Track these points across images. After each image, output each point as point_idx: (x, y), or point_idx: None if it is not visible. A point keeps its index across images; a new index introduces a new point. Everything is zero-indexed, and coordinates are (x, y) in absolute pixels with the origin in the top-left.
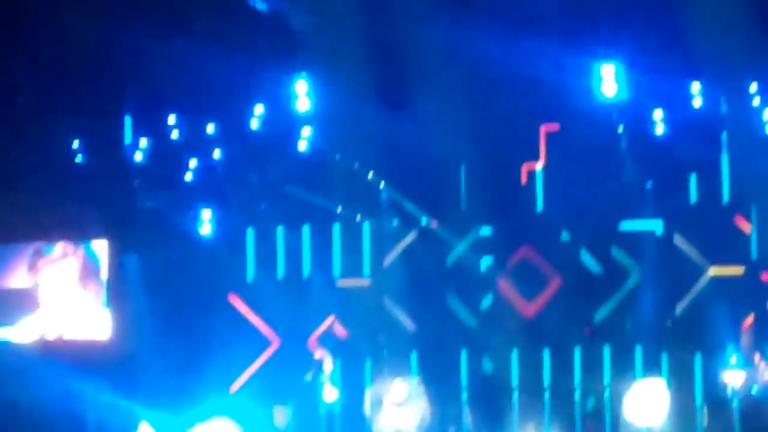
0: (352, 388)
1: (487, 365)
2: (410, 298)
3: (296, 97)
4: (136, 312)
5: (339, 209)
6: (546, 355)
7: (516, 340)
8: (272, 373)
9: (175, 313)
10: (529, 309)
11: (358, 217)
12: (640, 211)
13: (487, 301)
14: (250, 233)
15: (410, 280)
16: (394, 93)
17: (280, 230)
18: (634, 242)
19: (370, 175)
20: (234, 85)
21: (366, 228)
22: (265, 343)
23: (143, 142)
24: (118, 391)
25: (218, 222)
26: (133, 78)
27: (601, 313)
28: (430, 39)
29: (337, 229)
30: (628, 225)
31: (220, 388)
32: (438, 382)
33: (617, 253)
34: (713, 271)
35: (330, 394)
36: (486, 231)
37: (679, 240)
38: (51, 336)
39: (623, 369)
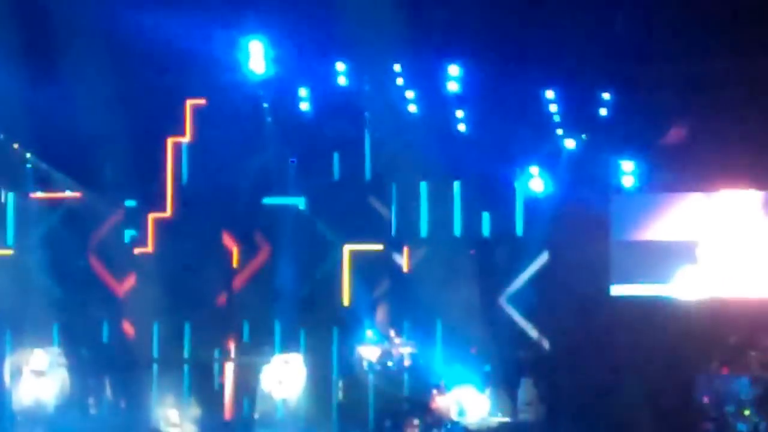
0: None
1: (129, 337)
2: (54, 268)
3: None
4: None
5: None
6: (186, 328)
7: (157, 312)
8: None
9: None
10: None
11: (2, 189)
12: (284, 188)
13: (129, 272)
14: None
15: (55, 251)
16: (42, 63)
17: None
18: (276, 218)
19: (15, 146)
20: None
21: (10, 199)
22: None
23: None
24: None
25: None
26: None
27: (241, 288)
28: (78, 10)
29: None
30: (270, 201)
31: None
32: (79, 352)
33: (259, 229)
34: (352, 247)
35: None
36: (130, 203)
37: (320, 216)
38: None
39: (261, 344)
